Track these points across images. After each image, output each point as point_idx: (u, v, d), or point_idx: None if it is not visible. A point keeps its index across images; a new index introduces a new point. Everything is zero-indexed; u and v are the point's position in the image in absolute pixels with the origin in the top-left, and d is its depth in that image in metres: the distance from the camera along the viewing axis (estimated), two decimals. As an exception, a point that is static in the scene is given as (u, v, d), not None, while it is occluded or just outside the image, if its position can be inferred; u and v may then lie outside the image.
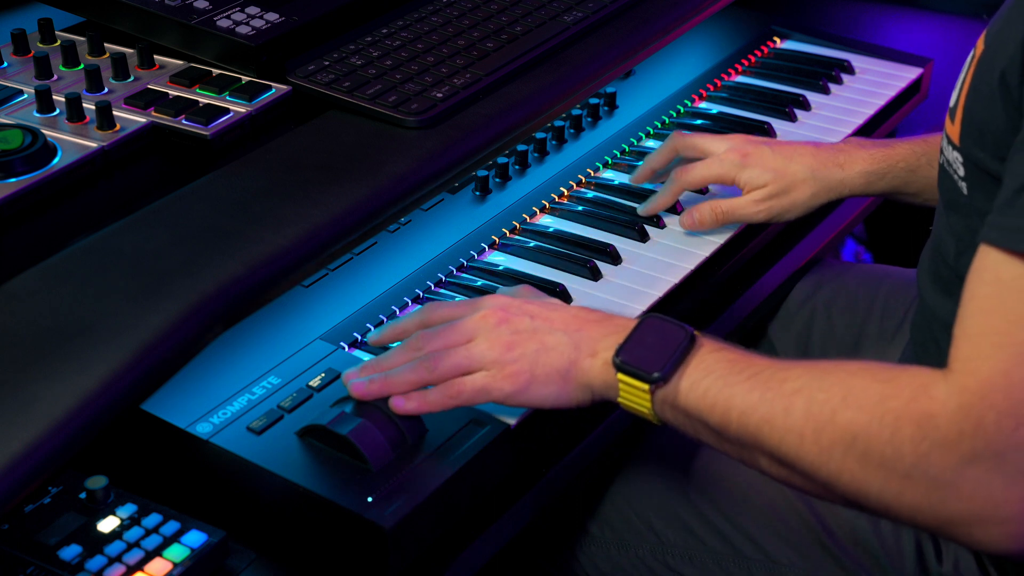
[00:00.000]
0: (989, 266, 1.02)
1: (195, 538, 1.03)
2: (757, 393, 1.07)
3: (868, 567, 1.34)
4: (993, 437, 0.98)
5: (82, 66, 1.48)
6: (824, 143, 1.56)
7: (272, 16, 1.51)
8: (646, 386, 1.12)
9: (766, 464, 1.09)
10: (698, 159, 1.54)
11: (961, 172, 1.19)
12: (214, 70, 1.49)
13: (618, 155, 1.65)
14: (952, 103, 1.22)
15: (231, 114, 1.41)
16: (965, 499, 1.00)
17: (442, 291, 1.38)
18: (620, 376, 1.13)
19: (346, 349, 1.27)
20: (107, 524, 1.03)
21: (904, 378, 1.03)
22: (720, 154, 1.53)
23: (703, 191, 1.57)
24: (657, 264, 1.45)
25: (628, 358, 1.13)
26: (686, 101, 1.78)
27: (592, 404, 1.18)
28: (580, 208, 1.53)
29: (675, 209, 1.53)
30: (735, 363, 1.10)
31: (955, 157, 1.20)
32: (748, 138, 1.55)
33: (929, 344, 1.31)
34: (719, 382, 1.09)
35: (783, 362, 1.10)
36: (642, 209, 1.53)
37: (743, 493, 1.41)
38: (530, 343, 1.17)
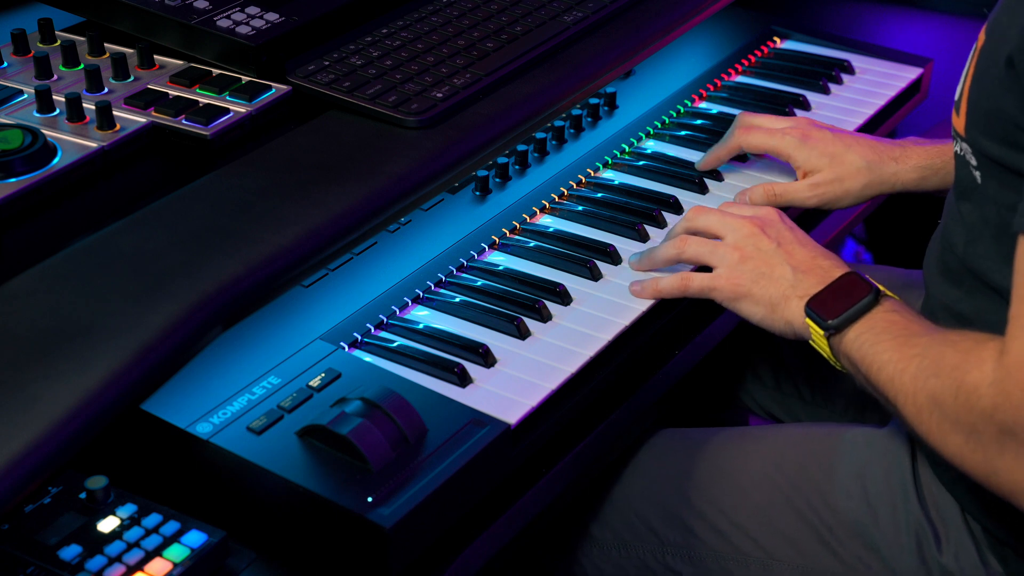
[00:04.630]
0: (1020, 252, 1.07)
1: (195, 538, 1.02)
2: (889, 354, 1.18)
3: (868, 561, 1.34)
4: (1017, 412, 1.03)
5: (82, 66, 1.48)
6: (884, 139, 1.57)
7: (272, 16, 1.51)
8: (823, 332, 1.24)
9: (897, 416, 1.19)
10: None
11: (974, 161, 1.21)
12: (214, 70, 1.49)
13: (618, 155, 1.65)
14: (957, 96, 1.24)
15: (231, 114, 1.41)
16: (1009, 471, 1.06)
17: (442, 291, 1.38)
18: (807, 320, 1.26)
19: (346, 349, 1.27)
20: (107, 524, 1.03)
21: (977, 350, 1.10)
22: (782, 128, 1.56)
23: (742, 158, 1.64)
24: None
25: (815, 305, 1.26)
26: (686, 101, 1.78)
27: (794, 339, 1.31)
28: (580, 208, 1.53)
29: (676, 209, 1.53)
30: (893, 324, 1.21)
31: (965, 148, 1.22)
32: (812, 121, 1.59)
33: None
34: (873, 338, 1.21)
35: (925, 329, 1.19)
36: (700, 163, 1.60)
37: (742, 492, 1.41)
38: (761, 265, 1.32)
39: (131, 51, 1.51)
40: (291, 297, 1.30)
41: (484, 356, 1.27)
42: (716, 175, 1.60)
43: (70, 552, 1.00)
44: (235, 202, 1.28)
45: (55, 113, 1.40)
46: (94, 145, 1.35)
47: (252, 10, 1.51)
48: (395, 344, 1.29)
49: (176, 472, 1.16)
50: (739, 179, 1.60)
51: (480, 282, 1.39)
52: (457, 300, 1.36)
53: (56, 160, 1.32)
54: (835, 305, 1.24)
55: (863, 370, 1.21)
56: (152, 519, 1.04)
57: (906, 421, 1.16)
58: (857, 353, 1.21)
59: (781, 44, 1.95)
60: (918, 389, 1.13)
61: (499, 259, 1.45)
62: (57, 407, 1.02)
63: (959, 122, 1.23)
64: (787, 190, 1.53)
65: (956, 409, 1.09)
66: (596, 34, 1.64)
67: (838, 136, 1.55)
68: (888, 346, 1.18)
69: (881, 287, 1.25)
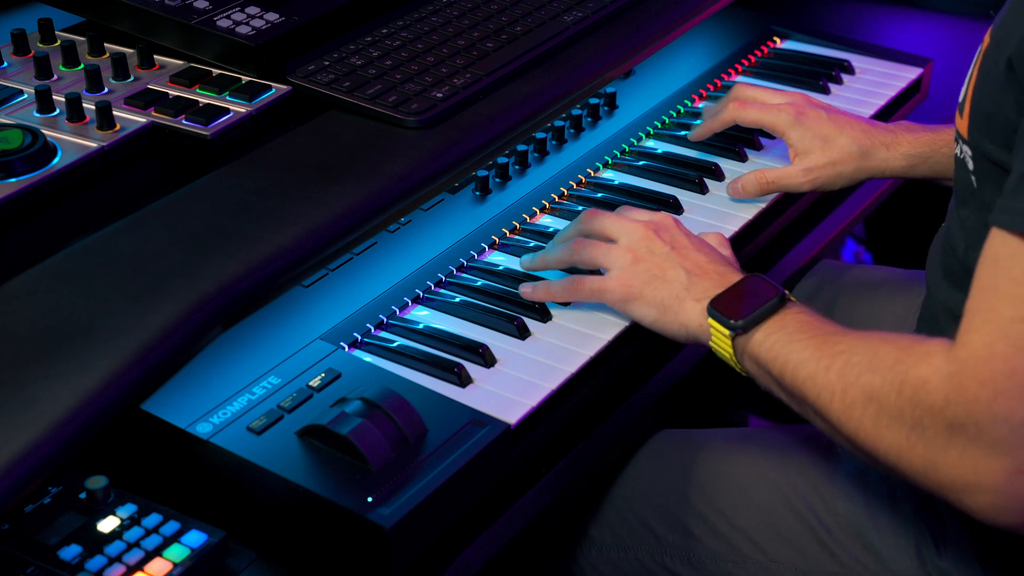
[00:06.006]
0: (991, 246, 1.06)
1: (195, 538, 1.02)
2: (808, 352, 1.16)
3: (867, 563, 1.34)
4: (972, 407, 1.02)
5: (82, 66, 1.48)
6: (876, 122, 1.58)
7: (272, 16, 1.51)
8: (727, 332, 1.22)
9: (813, 418, 1.17)
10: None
11: (971, 166, 1.21)
12: (214, 70, 1.49)
13: (618, 155, 1.65)
14: (961, 98, 1.24)
15: (231, 114, 1.41)
16: (953, 466, 1.04)
17: (442, 291, 1.38)
18: (710, 321, 1.25)
19: (346, 349, 1.27)
20: (107, 524, 1.03)
21: (918, 346, 1.09)
22: (777, 104, 1.56)
23: (742, 158, 1.63)
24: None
25: (718, 306, 1.24)
26: (686, 101, 1.78)
27: (686, 341, 1.30)
28: (580, 208, 1.53)
29: (676, 209, 1.53)
30: (805, 325, 1.19)
31: (966, 151, 1.22)
32: (808, 98, 1.59)
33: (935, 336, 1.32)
34: (785, 338, 1.19)
35: (844, 329, 1.17)
36: (691, 135, 1.62)
37: (741, 493, 1.41)
38: (653, 267, 1.30)
39: (131, 51, 1.51)
40: (291, 297, 1.30)
41: (484, 356, 1.27)
42: (716, 174, 1.60)
43: (70, 552, 1.00)
44: (235, 202, 1.28)
45: (55, 113, 1.40)
46: (94, 145, 1.35)
47: (252, 10, 1.51)
48: (395, 344, 1.29)
49: (176, 472, 1.16)
50: (739, 179, 1.60)
51: (480, 282, 1.39)
52: (457, 300, 1.36)
53: (56, 160, 1.32)
54: (740, 306, 1.23)
55: (775, 370, 1.19)
56: (152, 519, 1.04)
57: (828, 418, 1.14)
58: (768, 353, 1.19)
59: (781, 44, 1.95)
60: (848, 385, 1.11)
61: (499, 259, 1.45)
62: (57, 407, 1.02)
63: (962, 124, 1.23)
64: (780, 176, 1.54)
65: (899, 404, 1.07)
66: (596, 34, 1.64)
67: (832, 117, 1.55)
68: (806, 345, 1.16)
69: (786, 291, 1.24)
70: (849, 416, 1.11)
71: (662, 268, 1.30)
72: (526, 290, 1.35)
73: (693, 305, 1.27)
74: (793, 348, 1.17)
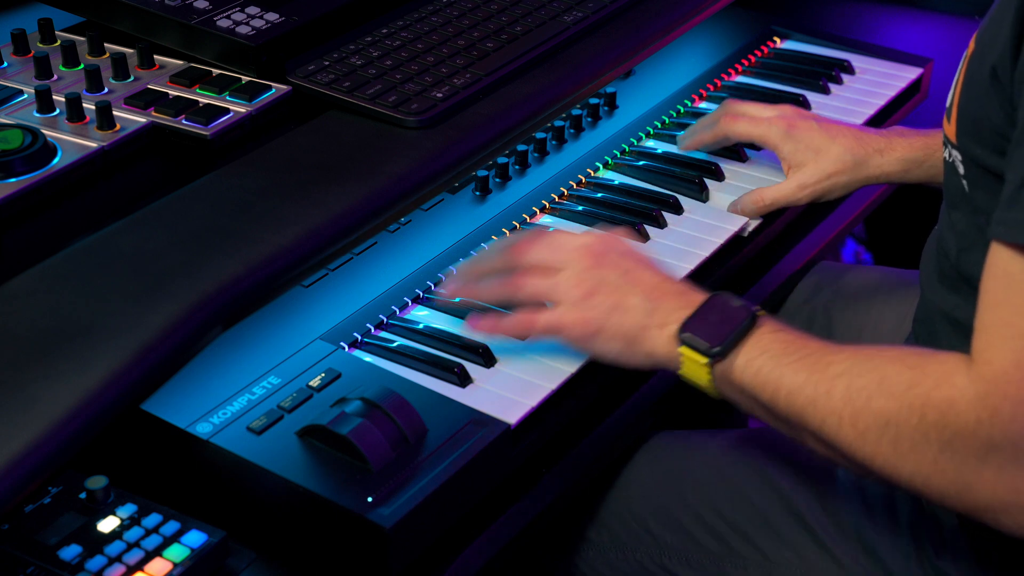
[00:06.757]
0: (998, 261, 1.05)
1: (195, 538, 1.03)
2: (803, 375, 1.11)
3: (866, 565, 1.34)
4: (1008, 426, 1.00)
5: (82, 66, 1.48)
6: (868, 128, 1.57)
7: (272, 16, 1.51)
8: (705, 360, 1.16)
9: (812, 443, 1.13)
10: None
11: (961, 170, 1.21)
12: (214, 70, 1.49)
13: (618, 155, 1.65)
14: (948, 103, 1.24)
15: (231, 114, 1.41)
16: (988, 487, 1.03)
17: (442, 291, 1.38)
18: (682, 349, 1.18)
19: (346, 349, 1.27)
20: (107, 524, 1.03)
21: (932, 365, 1.06)
22: (768, 118, 1.55)
23: (742, 159, 1.63)
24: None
25: (691, 332, 1.17)
26: (686, 101, 1.78)
27: (652, 369, 1.24)
28: (580, 208, 1.53)
29: (676, 209, 1.53)
30: (789, 344, 1.14)
31: (955, 155, 1.21)
32: (798, 110, 1.58)
33: (930, 339, 1.31)
34: (771, 362, 1.13)
35: (832, 346, 1.13)
36: (682, 144, 1.60)
37: (739, 494, 1.41)
38: (609, 297, 1.22)
39: (131, 51, 1.51)
40: (291, 297, 1.30)
41: (484, 356, 1.27)
42: (716, 175, 1.60)
43: (70, 552, 1.00)
44: (235, 202, 1.28)
45: (55, 113, 1.40)
46: (94, 145, 1.35)
47: (252, 10, 1.51)
48: (395, 344, 1.29)
49: (176, 472, 1.16)
50: (739, 179, 1.60)
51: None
52: (457, 300, 1.36)
53: (56, 160, 1.32)
54: (714, 330, 1.16)
55: (766, 396, 1.13)
56: (152, 519, 1.04)
57: (836, 444, 1.09)
58: (755, 379, 1.14)
59: (781, 44, 1.95)
60: (858, 411, 1.07)
61: (499, 259, 1.44)
62: (57, 407, 1.02)
63: (950, 129, 1.22)
64: (777, 197, 1.53)
65: (924, 428, 1.04)
66: (596, 34, 1.64)
67: (823, 127, 1.54)
68: (798, 367, 1.11)
69: (756, 306, 1.18)
70: (863, 442, 1.07)
71: (619, 297, 1.22)
72: (473, 321, 1.28)
73: (658, 332, 1.20)
74: (784, 372, 1.12)
